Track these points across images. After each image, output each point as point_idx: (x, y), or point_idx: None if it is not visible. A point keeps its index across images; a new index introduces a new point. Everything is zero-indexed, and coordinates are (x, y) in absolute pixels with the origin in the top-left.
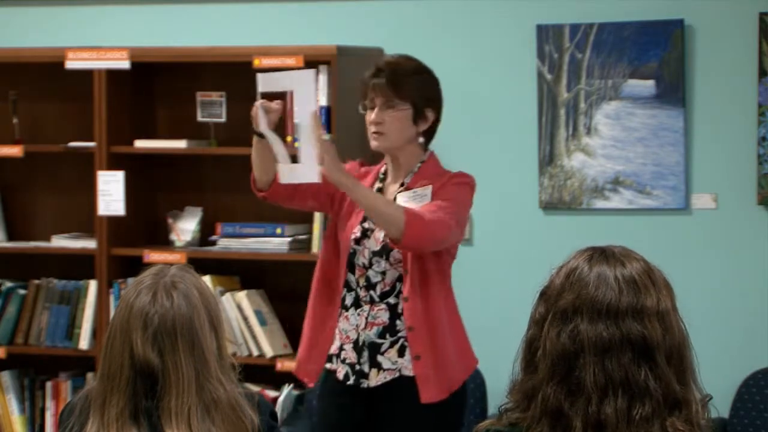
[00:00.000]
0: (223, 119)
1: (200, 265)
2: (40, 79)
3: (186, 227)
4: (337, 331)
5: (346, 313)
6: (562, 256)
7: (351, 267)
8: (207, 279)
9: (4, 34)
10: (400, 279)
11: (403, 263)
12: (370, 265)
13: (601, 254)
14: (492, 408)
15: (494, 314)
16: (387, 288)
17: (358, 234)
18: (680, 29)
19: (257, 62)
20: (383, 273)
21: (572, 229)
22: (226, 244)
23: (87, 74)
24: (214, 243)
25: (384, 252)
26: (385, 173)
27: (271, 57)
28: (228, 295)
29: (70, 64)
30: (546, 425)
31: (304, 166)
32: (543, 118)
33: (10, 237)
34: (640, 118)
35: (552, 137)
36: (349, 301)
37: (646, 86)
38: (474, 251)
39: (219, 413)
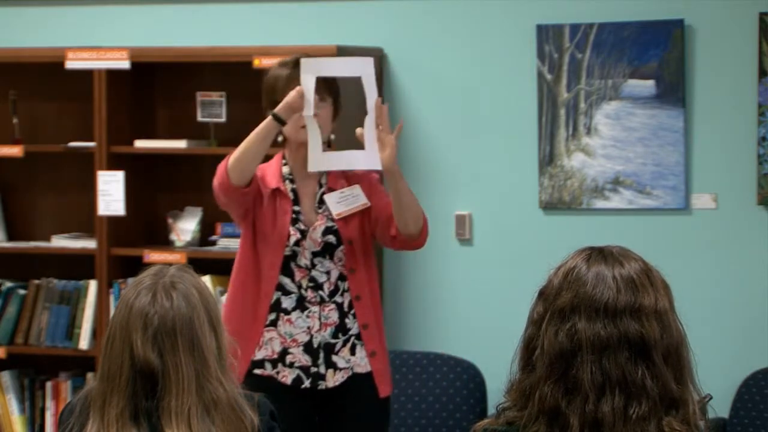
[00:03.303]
0: (223, 119)
1: (200, 265)
2: (40, 79)
3: (186, 227)
4: (274, 335)
5: (287, 317)
6: (562, 256)
7: (286, 269)
8: (207, 279)
9: (4, 34)
10: (341, 278)
11: (347, 262)
12: (313, 265)
13: (599, 254)
14: (491, 408)
15: (494, 314)
16: (332, 287)
17: (299, 236)
18: (680, 29)
19: (257, 62)
20: (328, 273)
21: (572, 229)
22: (226, 244)
23: (87, 74)
24: (214, 243)
25: (326, 252)
26: (291, 173)
27: (271, 57)
28: None
29: (70, 64)
30: (543, 424)
31: (367, 153)
32: (543, 118)
33: (10, 237)
34: (640, 118)
35: (552, 137)
36: (288, 304)
37: (646, 86)
38: (474, 251)
39: (219, 413)
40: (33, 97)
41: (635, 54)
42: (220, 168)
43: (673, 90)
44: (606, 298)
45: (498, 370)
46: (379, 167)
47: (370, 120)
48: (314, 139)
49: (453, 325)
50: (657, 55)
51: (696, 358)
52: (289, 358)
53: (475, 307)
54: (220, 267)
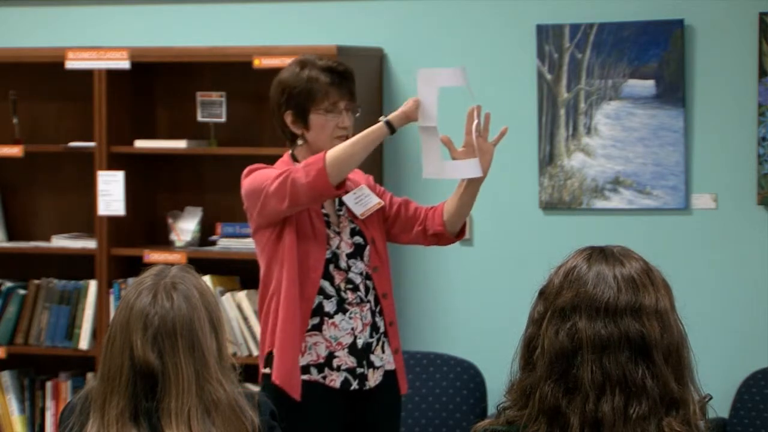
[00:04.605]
0: (223, 119)
1: (200, 265)
2: (40, 79)
3: (186, 227)
4: (319, 340)
5: (331, 320)
6: (562, 256)
7: (325, 272)
8: (207, 279)
9: (4, 34)
10: (368, 277)
11: (371, 261)
12: (349, 267)
13: (600, 253)
14: (491, 408)
15: (494, 314)
16: (364, 287)
17: (338, 238)
18: (680, 29)
19: (257, 62)
20: (361, 273)
21: (572, 229)
22: (226, 244)
23: (87, 74)
24: (214, 243)
25: (357, 253)
26: None
27: (271, 57)
28: (228, 295)
29: (70, 64)
30: (543, 423)
31: (475, 162)
32: (543, 118)
33: (10, 237)
34: (640, 118)
35: (552, 137)
36: (330, 307)
37: (646, 86)
38: (474, 251)
39: (219, 414)
40: (33, 97)
41: (635, 54)
42: (315, 166)
43: (673, 90)
44: (607, 298)
45: (498, 370)
46: (480, 175)
47: (471, 127)
48: (434, 148)
49: (453, 325)
50: (657, 55)
51: (696, 358)
52: (335, 362)
53: (475, 307)
54: (220, 267)
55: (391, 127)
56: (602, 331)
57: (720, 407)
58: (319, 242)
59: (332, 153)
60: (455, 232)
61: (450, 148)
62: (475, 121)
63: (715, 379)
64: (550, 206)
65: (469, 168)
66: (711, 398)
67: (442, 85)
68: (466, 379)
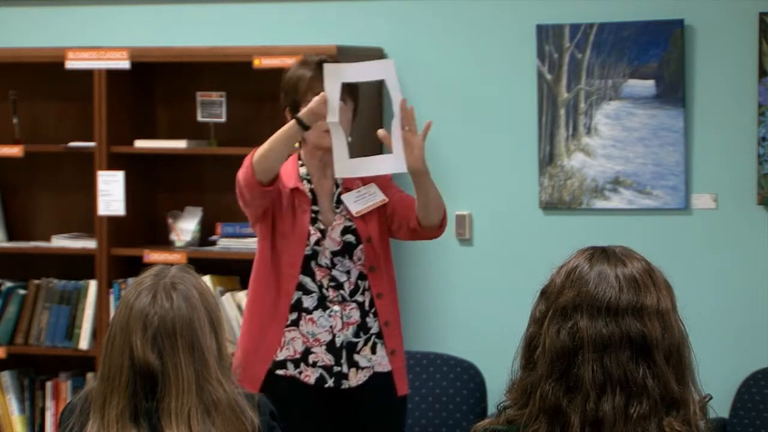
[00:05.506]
0: (223, 119)
1: (200, 265)
2: (40, 79)
3: (186, 227)
4: (296, 335)
5: (309, 316)
6: (562, 256)
7: (306, 269)
8: (207, 279)
9: (4, 34)
10: (361, 276)
11: (368, 260)
12: (333, 265)
13: (601, 253)
14: (491, 408)
15: (494, 314)
16: (353, 286)
17: (319, 235)
18: (680, 29)
19: (257, 62)
20: (348, 272)
21: (572, 229)
22: (226, 244)
23: (87, 74)
24: (214, 243)
25: (346, 251)
26: (308, 174)
27: (271, 57)
28: (228, 295)
29: (70, 64)
30: (544, 422)
31: (394, 157)
32: (543, 118)
33: (10, 237)
34: (640, 118)
35: (552, 137)
36: (309, 303)
37: (646, 86)
38: (474, 251)
39: (219, 414)
40: (33, 97)
41: (635, 54)
42: (246, 163)
43: (673, 90)
44: (608, 297)
45: (498, 370)
46: (404, 170)
47: (395, 122)
48: (340, 145)
49: (453, 325)
50: (657, 55)
51: (696, 358)
52: (311, 358)
53: (475, 307)
54: (220, 267)
55: (301, 124)
56: (603, 330)
57: (720, 407)
58: (298, 238)
59: (258, 150)
60: (432, 226)
61: (386, 144)
62: (395, 117)
63: (715, 379)
64: (550, 206)
65: (388, 163)
66: (711, 398)
67: (346, 80)
68: (466, 379)
